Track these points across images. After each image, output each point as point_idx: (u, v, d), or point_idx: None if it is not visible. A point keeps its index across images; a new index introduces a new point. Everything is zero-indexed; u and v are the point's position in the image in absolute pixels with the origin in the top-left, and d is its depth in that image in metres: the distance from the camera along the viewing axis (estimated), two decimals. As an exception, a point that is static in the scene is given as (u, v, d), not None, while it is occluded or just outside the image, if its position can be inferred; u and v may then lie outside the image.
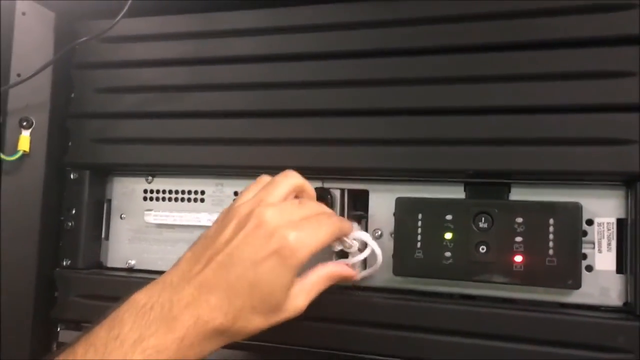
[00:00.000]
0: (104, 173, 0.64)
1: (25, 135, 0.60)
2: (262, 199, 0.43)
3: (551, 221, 0.46)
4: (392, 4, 0.52)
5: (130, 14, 0.55)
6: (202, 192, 0.60)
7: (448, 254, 0.48)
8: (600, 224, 0.47)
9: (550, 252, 0.46)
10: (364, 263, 0.51)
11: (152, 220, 0.61)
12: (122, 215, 0.63)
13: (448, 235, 0.49)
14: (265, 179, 0.46)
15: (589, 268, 0.47)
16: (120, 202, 0.63)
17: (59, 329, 0.61)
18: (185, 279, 0.41)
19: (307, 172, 0.47)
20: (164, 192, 0.62)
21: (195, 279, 0.40)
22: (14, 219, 0.60)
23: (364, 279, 0.51)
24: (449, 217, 0.49)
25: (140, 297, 0.40)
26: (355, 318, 0.50)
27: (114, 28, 0.57)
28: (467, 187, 0.51)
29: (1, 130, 0.61)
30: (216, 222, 0.44)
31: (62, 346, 0.39)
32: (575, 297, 0.47)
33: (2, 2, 0.62)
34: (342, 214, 0.54)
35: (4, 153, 0.60)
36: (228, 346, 0.51)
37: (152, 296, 0.40)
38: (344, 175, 0.54)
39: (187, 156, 0.58)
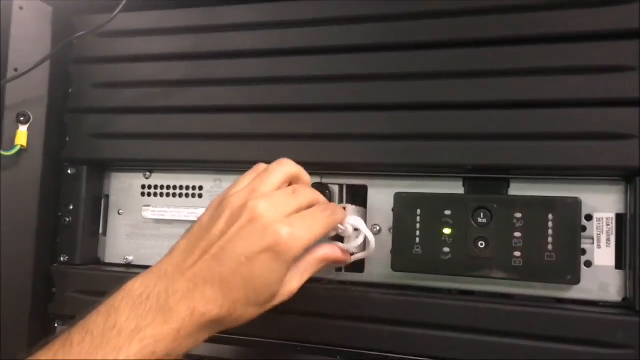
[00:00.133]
0: (102, 168, 0.64)
1: (22, 130, 0.60)
2: (256, 188, 0.43)
3: (550, 216, 0.46)
4: (390, -2, 0.52)
5: (128, 8, 0.55)
6: (200, 188, 0.60)
7: (447, 249, 0.48)
8: (599, 219, 0.47)
9: (549, 247, 0.46)
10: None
11: (150, 216, 0.60)
12: (120, 211, 0.63)
13: (447, 231, 0.48)
14: (261, 167, 0.46)
15: (588, 263, 0.47)
16: (118, 197, 0.63)
17: (56, 325, 0.61)
18: (180, 271, 0.40)
19: (306, 167, 0.47)
20: (161, 187, 0.61)
21: (189, 271, 0.40)
22: (11, 214, 0.60)
23: (356, 260, 0.50)
24: (447, 212, 0.49)
25: (137, 287, 0.40)
26: (354, 314, 0.50)
27: (112, 22, 0.57)
28: (466, 182, 0.51)
29: (-2, 125, 0.61)
30: (209, 209, 0.44)
31: (58, 332, 0.39)
32: (574, 292, 0.47)
33: (-1, -3, 0.62)
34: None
35: (1, 148, 0.60)
36: (223, 342, 0.52)
37: (148, 286, 0.40)
38: (343, 170, 0.54)
39: (185, 151, 0.58)
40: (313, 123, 0.53)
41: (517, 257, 0.46)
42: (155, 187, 0.62)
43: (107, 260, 0.63)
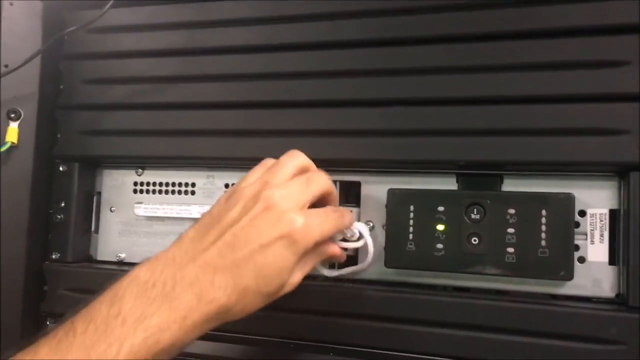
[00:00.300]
0: (94, 165, 0.63)
1: (13, 127, 0.60)
2: (268, 181, 0.43)
3: (543, 212, 0.46)
4: (383, -7, 0.51)
5: (119, 4, 0.54)
6: (193, 185, 0.60)
7: (440, 245, 0.48)
8: (592, 215, 0.47)
9: (543, 243, 0.46)
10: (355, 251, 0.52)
11: (142, 213, 0.60)
12: (112, 208, 0.62)
13: (440, 227, 0.48)
14: (269, 161, 0.46)
15: (582, 259, 0.47)
16: (110, 194, 0.63)
17: (48, 323, 0.60)
18: (190, 257, 0.40)
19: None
20: (154, 184, 0.61)
21: (200, 257, 0.40)
22: (2, 211, 0.60)
23: (353, 272, 0.51)
24: (441, 208, 0.48)
25: (142, 274, 0.39)
26: (348, 311, 0.50)
27: (103, 18, 0.56)
28: (460, 178, 0.51)
29: (-11, 121, 0.60)
30: (219, 202, 0.44)
31: (61, 319, 0.38)
32: (568, 288, 0.47)
33: (-12, -8, 0.61)
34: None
35: (-9, 145, 0.59)
36: (217, 339, 0.52)
37: (154, 273, 0.39)
38: (336, 166, 0.53)
39: (178, 148, 0.57)
40: (306, 119, 0.53)
41: (511, 253, 0.46)
42: (148, 184, 0.61)
43: (99, 257, 0.63)
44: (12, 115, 0.60)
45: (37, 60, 0.60)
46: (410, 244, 0.49)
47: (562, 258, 0.45)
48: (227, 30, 0.56)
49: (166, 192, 0.60)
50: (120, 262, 0.61)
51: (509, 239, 0.46)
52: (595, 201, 0.47)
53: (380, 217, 0.52)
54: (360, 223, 0.49)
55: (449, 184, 0.51)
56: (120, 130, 0.59)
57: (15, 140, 0.60)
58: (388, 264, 0.50)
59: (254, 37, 0.55)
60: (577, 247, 0.47)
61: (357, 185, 0.54)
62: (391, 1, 0.51)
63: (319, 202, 0.46)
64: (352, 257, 0.52)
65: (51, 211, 0.61)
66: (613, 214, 0.47)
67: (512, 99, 0.47)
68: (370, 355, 0.49)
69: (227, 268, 0.39)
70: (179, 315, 0.37)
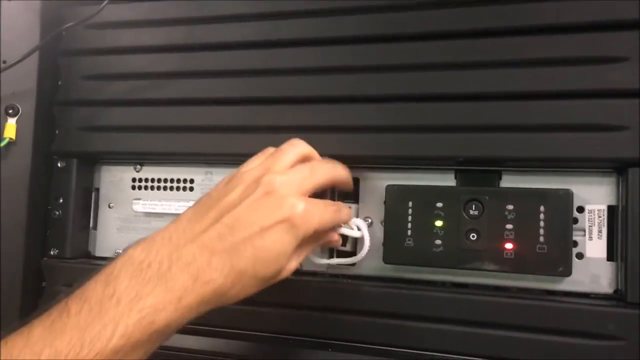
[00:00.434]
0: (92, 161, 0.63)
1: (11, 123, 0.60)
2: (270, 167, 0.43)
3: (542, 208, 0.46)
4: (382, -11, 0.51)
5: (117, -1, 0.54)
6: (192, 181, 0.59)
7: (438, 241, 0.48)
8: (591, 211, 0.47)
9: (541, 239, 0.45)
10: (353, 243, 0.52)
11: (140, 209, 0.60)
12: (111, 204, 0.62)
13: (438, 223, 0.48)
14: (270, 150, 0.46)
15: (580, 255, 0.47)
16: (108, 191, 0.63)
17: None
18: (187, 238, 0.40)
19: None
20: (152, 180, 0.61)
21: (198, 238, 0.39)
22: (0, 208, 0.59)
23: (348, 263, 0.51)
24: (439, 204, 0.48)
25: (137, 253, 0.38)
26: (346, 306, 0.50)
27: (101, 14, 0.56)
28: (458, 174, 0.51)
29: (-13, 117, 0.60)
30: (218, 185, 0.44)
31: (55, 300, 0.38)
32: (566, 284, 0.47)
33: (-13, -12, 0.61)
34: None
35: (-11, 141, 0.59)
36: (216, 335, 0.52)
37: (150, 252, 0.38)
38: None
39: (176, 144, 0.57)
40: (304, 115, 0.53)
41: (509, 249, 0.46)
42: (146, 180, 0.61)
43: (98, 254, 0.63)
44: (10, 111, 0.59)
45: (35, 56, 0.59)
46: (409, 240, 0.49)
47: (561, 254, 0.45)
48: (226, 26, 0.56)
49: (165, 188, 0.60)
50: (119, 259, 0.61)
51: (507, 235, 0.46)
52: (594, 197, 0.47)
53: (378, 213, 0.52)
54: (357, 219, 0.49)
55: (448, 180, 0.51)
56: (118, 126, 0.59)
57: (13, 136, 0.59)
58: (386, 260, 0.50)
59: (253, 33, 0.55)
60: (575, 243, 0.47)
61: (356, 181, 0.53)
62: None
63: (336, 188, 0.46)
64: (350, 253, 0.52)
65: (49, 207, 0.61)
66: (611, 210, 0.47)
67: (511, 95, 0.47)
68: (369, 351, 0.49)
69: (225, 250, 0.39)
70: (175, 296, 0.37)
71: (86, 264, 0.60)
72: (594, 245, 0.47)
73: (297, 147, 0.45)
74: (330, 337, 0.50)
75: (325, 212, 0.43)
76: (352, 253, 0.51)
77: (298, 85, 0.53)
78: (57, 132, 0.61)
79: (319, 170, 0.44)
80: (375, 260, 0.51)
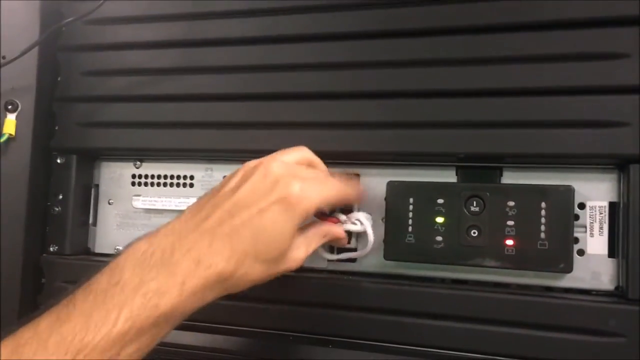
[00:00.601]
0: (92, 158, 0.63)
1: (10, 119, 0.59)
2: (273, 156, 0.44)
3: (543, 205, 0.46)
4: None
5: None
6: (191, 177, 0.59)
7: (439, 238, 0.48)
8: (592, 207, 0.47)
9: (542, 235, 0.45)
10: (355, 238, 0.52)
11: (140, 206, 0.60)
12: (110, 201, 0.62)
13: (439, 219, 0.48)
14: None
15: (581, 252, 0.47)
16: (108, 187, 0.63)
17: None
18: (189, 227, 0.40)
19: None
20: (152, 177, 0.61)
21: (199, 225, 0.40)
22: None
23: (349, 259, 0.51)
24: (440, 201, 0.48)
25: (141, 245, 0.39)
26: (347, 303, 0.50)
27: (101, 9, 0.56)
28: (459, 170, 0.51)
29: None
30: (223, 179, 0.45)
31: (63, 293, 0.38)
32: (567, 281, 0.47)
33: (-14, -17, 0.61)
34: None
35: (-12, 137, 0.59)
36: (216, 332, 0.52)
37: (152, 243, 0.39)
38: (335, 159, 0.53)
39: (176, 140, 0.57)
40: (305, 111, 0.53)
41: (510, 246, 0.46)
42: (146, 176, 0.61)
43: (97, 250, 0.63)
44: (10, 107, 0.59)
45: (35, 52, 0.59)
46: (410, 237, 0.49)
47: (562, 250, 0.45)
48: (226, 22, 0.56)
49: (164, 184, 0.60)
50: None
51: (508, 232, 0.46)
52: (595, 194, 0.47)
53: (379, 210, 0.52)
54: (363, 213, 0.50)
55: (449, 176, 0.51)
56: (118, 122, 0.59)
57: (12, 132, 0.59)
58: (387, 256, 0.50)
59: (253, 29, 0.55)
60: (576, 240, 0.47)
61: (357, 177, 0.53)
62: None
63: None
64: (352, 249, 0.52)
65: (49, 203, 0.61)
66: (612, 206, 0.47)
67: (512, 92, 0.47)
68: (369, 348, 0.49)
69: (225, 234, 0.40)
70: (178, 280, 0.37)
71: (86, 260, 0.60)
72: (595, 241, 0.47)
73: (302, 150, 0.46)
74: (330, 334, 0.50)
75: (325, 188, 0.44)
76: (354, 249, 0.51)
77: (298, 81, 0.53)
78: (56, 128, 0.61)
79: (330, 182, 0.45)
80: (375, 256, 0.51)
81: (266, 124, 0.54)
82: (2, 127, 0.59)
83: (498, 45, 0.48)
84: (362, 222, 0.49)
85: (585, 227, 0.47)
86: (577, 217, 0.47)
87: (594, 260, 0.47)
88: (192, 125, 0.56)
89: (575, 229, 0.46)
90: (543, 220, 0.46)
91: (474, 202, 0.47)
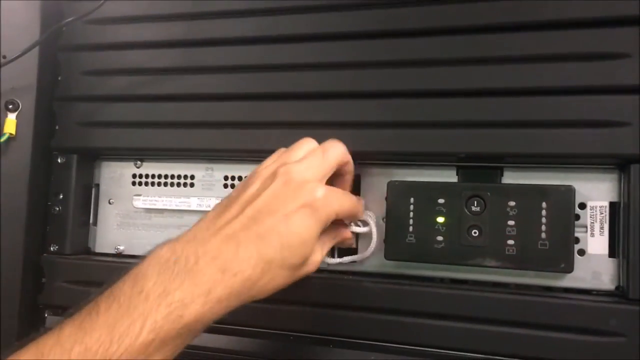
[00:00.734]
0: (92, 157, 0.63)
1: (11, 118, 0.59)
2: (284, 161, 0.43)
3: (544, 205, 0.46)
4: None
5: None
6: (192, 177, 0.59)
7: (440, 238, 0.48)
8: (593, 207, 0.47)
9: (543, 235, 0.45)
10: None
11: (141, 205, 0.60)
12: (111, 200, 0.62)
13: (440, 219, 0.48)
14: (282, 150, 0.47)
15: (582, 252, 0.47)
16: (108, 186, 0.63)
17: (46, 315, 0.60)
18: (211, 233, 0.40)
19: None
20: (153, 176, 0.61)
21: (221, 231, 0.40)
22: (0, 204, 0.59)
23: (354, 261, 0.51)
24: (441, 200, 0.48)
25: (164, 252, 0.39)
26: (347, 303, 0.50)
27: (101, 9, 0.56)
28: (460, 170, 0.51)
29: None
30: (236, 187, 0.44)
31: (84, 301, 0.38)
32: (568, 281, 0.47)
33: (-14, -18, 0.60)
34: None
35: (-11, 136, 0.59)
36: (217, 331, 0.52)
37: (175, 250, 0.39)
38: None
39: (177, 140, 0.57)
40: (305, 111, 0.53)
41: (511, 246, 0.46)
42: (147, 176, 0.61)
43: (98, 250, 0.63)
44: (10, 106, 0.59)
45: (35, 52, 0.59)
46: (410, 237, 0.49)
47: (562, 250, 0.45)
48: (226, 22, 0.56)
49: (165, 184, 0.60)
50: (119, 255, 0.61)
51: (509, 232, 0.46)
52: (596, 194, 0.47)
53: (380, 210, 0.52)
54: (367, 212, 0.50)
55: (449, 176, 0.51)
56: (118, 122, 0.59)
57: (13, 132, 0.59)
58: (388, 256, 0.50)
59: (253, 29, 0.55)
60: (577, 240, 0.47)
61: (357, 177, 0.53)
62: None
63: (337, 173, 0.47)
64: (353, 249, 0.52)
65: (49, 203, 0.61)
66: (613, 206, 0.47)
67: (513, 91, 0.47)
68: (370, 347, 0.49)
69: (250, 240, 0.39)
70: (203, 290, 0.37)
71: (86, 260, 0.60)
72: (595, 241, 0.47)
73: (309, 143, 0.46)
74: (331, 334, 0.50)
75: (344, 198, 0.44)
76: (355, 249, 0.52)
77: (298, 81, 0.53)
78: (57, 127, 0.61)
79: (330, 151, 0.45)
80: (376, 256, 0.51)
81: (266, 123, 0.54)
82: (3, 126, 0.59)
83: (499, 45, 0.48)
84: (367, 222, 0.49)
85: (586, 227, 0.47)
86: (577, 217, 0.47)
87: (594, 260, 0.47)
88: (193, 125, 0.56)
89: (576, 229, 0.46)
90: (544, 220, 0.46)
91: (475, 202, 0.47)
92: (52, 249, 0.60)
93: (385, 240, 0.50)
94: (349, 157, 0.47)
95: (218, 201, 0.45)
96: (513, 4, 0.48)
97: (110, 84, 0.59)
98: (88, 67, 0.60)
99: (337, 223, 0.48)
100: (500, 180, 0.49)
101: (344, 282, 0.51)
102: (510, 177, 0.49)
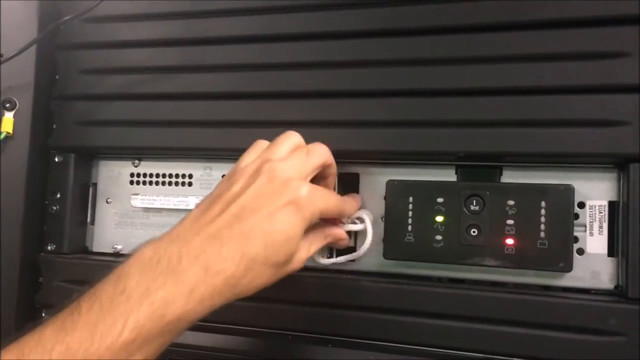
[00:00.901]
0: (90, 156, 0.63)
1: (8, 117, 0.59)
2: (268, 157, 0.43)
3: (543, 204, 0.46)
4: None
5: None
6: (190, 176, 0.59)
7: (439, 237, 0.48)
8: (592, 206, 0.47)
9: (542, 235, 0.45)
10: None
11: (138, 204, 0.60)
12: (108, 199, 0.62)
13: (439, 219, 0.48)
14: (262, 142, 0.46)
15: (581, 251, 0.47)
16: (106, 185, 0.62)
17: (43, 315, 0.60)
18: (194, 232, 0.40)
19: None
20: (150, 175, 0.61)
21: (204, 230, 0.39)
22: (-3, 202, 0.59)
23: (349, 260, 0.51)
24: (440, 200, 0.48)
25: (147, 251, 0.39)
26: (346, 302, 0.50)
27: (99, 7, 0.56)
28: (459, 169, 0.51)
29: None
30: (219, 184, 0.44)
31: (67, 301, 0.38)
32: (567, 280, 0.47)
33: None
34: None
35: (-14, 135, 0.59)
36: (214, 331, 0.51)
37: (158, 249, 0.38)
38: (334, 158, 0.52)
39: (175, 139, 0.57)
40: (304, 110, 0.53)
41: (510, 245, 0.46)
42: (144, 175, 0.61)
43: (95, 249, 0.62)
44: (8, 105, 0.59)
45: (33, 50, 0.59)
46: (409, 236, 0.49)
47: (561, 250, 0.45)
48: (225, 20, 0.56)
49: (163, 183, 0.60)
50: (117, 254, 0.61)
51: (508, 231, 0.46)
52: (595, 193, 0.47)
53: (379, 209, 0.51)
54: (364, 210, 0.50)
55: (448, 175, 0.51)
56: (116, 120, 0.59)
57: (10, 131, 0.59)
58: (387, 255, 0.50)
59: (252, 28, 0.55)
60: (576, 239, 0.47)
61: (356, 176, 0.53)
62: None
63: (319, 176, 0.46)
64: (351, 247, 0.52)
65: (46, 202, 0.61)
66: (612, 205, 0.47)
67: (512, 90, 0.47)
68: (369, 347, 0.49)
69: (234, 238, 0.39)
70: (186, 289, 0.37)
71: (83, 259, 0.60)
72: (594, 241, 0.47)
73: (292, 137, 0.45)
74: (329, 333, 0.50)
75: (329, 197, 0.44)
76: (354, 248, 0.51)
77: (298, 80, 0.53)
78: (54, 126, 0.61)
79: (314, 151, 0.45)
80: (375, 255, 0.51)
81: (265, 122, 0.54)
82: (0, 125, 0.59)
83: (498, 44, 0.48)
84: (363, 219, 0.49)
85: (585, 226, 0.47)
86: (576, 216, 0.47)
87: (593, 260, 0.47)
88: (191, 124, 0.56)
89: (575, 228, 0.46)
90: (543, 219, 0.46)
91: (474, 201, 0.47)
92: (49, 248, 0.60)
93: (384, 240, 0.50)
94: (332, 160, 0.47)
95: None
96: (512, 3, 0.48)
97: (108, 83, 0.59)
98: (86, 66, 0.60)
99: (329, 222, 0.48)
100: (500, 179, 0.49)
101: (342, 282, 0.50)
102: (510, 176, 0.49)
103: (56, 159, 0.61)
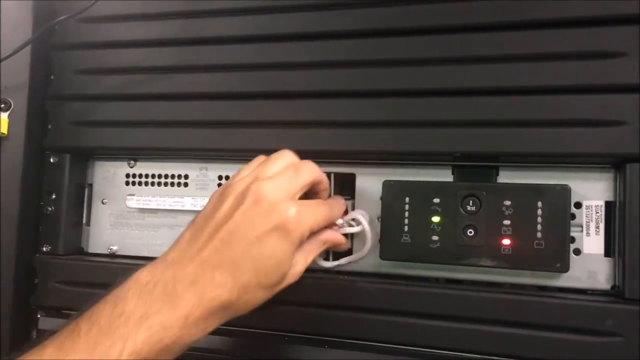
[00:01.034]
0: (85, 157, 0.62)
1: (3, 118, 0.59)
2: (258, 175, 0.43)
3: (539, 204, 0.45)
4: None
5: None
6: (186, 177, 0.59)
7: (435, 237, 0.48)
8: (588, 206, 0.47)
9: (538, 235, 0.45)
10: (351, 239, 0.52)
11: (134, 205, 0.59)
12: (104, 200, 0.62)
13: (435, 219, 0.48)
14: (261, 158, 0.47)
15: (577, 251, 0.47)
16: (101, 186, 0.62)
17: (38, 316, 0.60)
18: (187, 257, 0.41)
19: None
20: (146, 176, 0.60)
21: (197, 256, 0.40)
22: (-9, 203, 0.59)
23: (350, 262, 0.51)
24: (436, 200, 0.48)
25: (143, 275, 0.40)
26: (342, 303, 0.50)
27: (94, 7, 0.56)
28: (455, 170, 0.50)
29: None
30: (212, 199, 0.44)
31: (64, 322, 0.39)
32: (563, 280, 0.47)
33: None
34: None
35: (-19, 136, 0.58)
36: (211, 332, 0.51)
37: (154, 274, 0.40)
38: (330, 158, 0.53)
39: (170, 139, 0.56)
40: (300, 110, 0.53)
41: (506, 245, 0.46)
42: (140, 175, 0.61)
43: (91, 250, 0.62)
44: (2, 105, 0.59)
45: (27, 50, 0.59)
46: (406, 236, 0.49)
47: (558, 250, 0.45)
48: (220, 21, 0.56)
49: (159, 184, 0.60)
50: (112, 255, 0.61)
51: (504, 231, 0.46)
52: (591, 193, 0.47)
53: (375, 209, 0.51)
54: (359, 210, 0.50)
55: (445, 175, 0.51)
56: (112, 121, 0.58)
57: (5, 131, 0.59)
58: (383, 256, 0.50)
59: (247, 28, 0.55)
60: (572, 239, 0.47)
61: (352, 177, 0.53)
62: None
63: (310, 192, 0.47)
64: (349, 250, 0.52)
65: (42, 203, 0.60)
66: (609, 205, 0.47)
67: (508, 90, 0.47)
68: (365, 348, 0.48)
69: (225, 264, 0.40)
70: (182, 314, 0.38)
71: (79, 260, 0.59)
72: (591, 241, 0.47)
73: (284, 155, 0.46)
74: (325, 334, 0.50)
75: (317, 211, 0.44)
76: (350, 249, 0.51)
77: (294, 80, 0.53)
78: (49, 126, 0.60)
79: (303, 170, 0.45)
80: (371, 256, 0.51)
81: (261, 123, 0.53)
82: (-5, 126, 0.58)
83: (495, 43, 0.48)
84: (359, 221, 0.49)
85: (582, 226, 0.47)
86: (573, 217, 0.47)
87: (590, 260, 0.47)
88: (187, 124, 0.56)
89: (572, 228, 0.46)
90: (539, 219, 0.45)
91: (470, 202, 0.47)
92: (44, 249, 0.60)
93: (380, 240, 0.50)
94: (322, 177, 0.47)
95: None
96: (510, 2, 0.47)
97: (103, 83, 0.59)
98: (81, 66, 0.60)
99: (325, 228, 0.47)
100: (496, 179, 0.49)
101: (339, 282, 0.50)
102: (506, 177, 0.49)
103: (51, 160, 0.60)
